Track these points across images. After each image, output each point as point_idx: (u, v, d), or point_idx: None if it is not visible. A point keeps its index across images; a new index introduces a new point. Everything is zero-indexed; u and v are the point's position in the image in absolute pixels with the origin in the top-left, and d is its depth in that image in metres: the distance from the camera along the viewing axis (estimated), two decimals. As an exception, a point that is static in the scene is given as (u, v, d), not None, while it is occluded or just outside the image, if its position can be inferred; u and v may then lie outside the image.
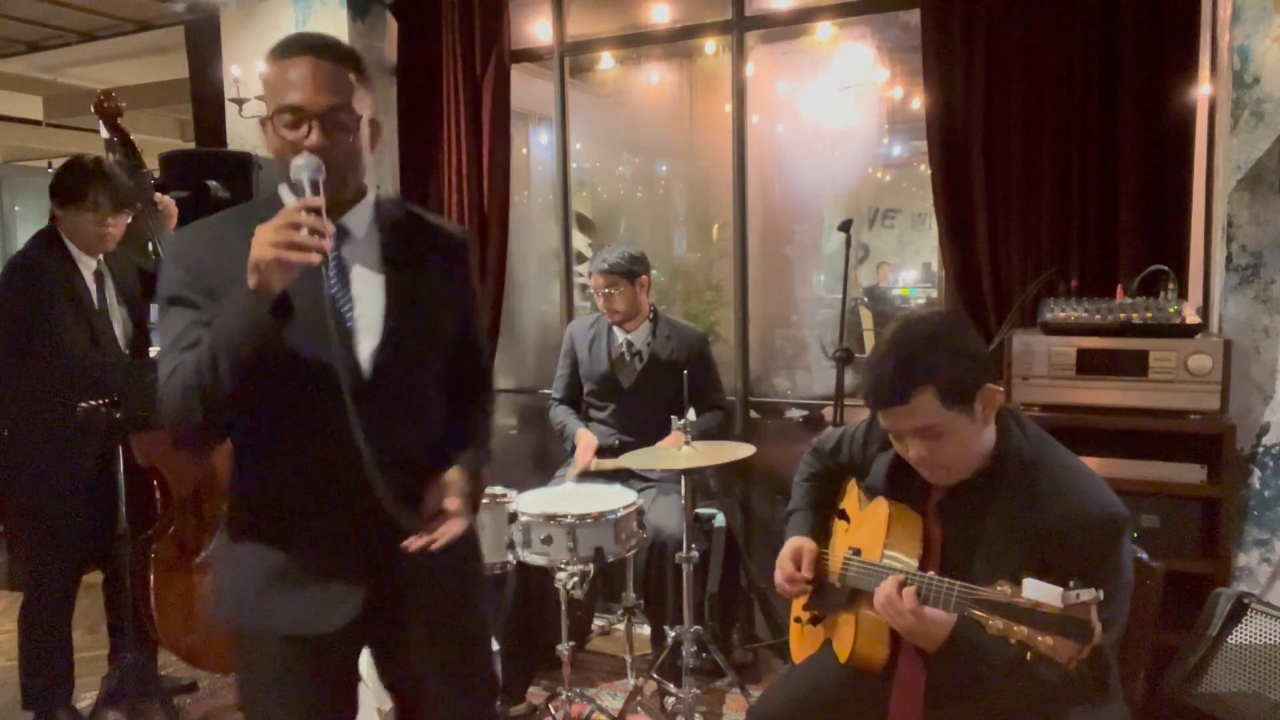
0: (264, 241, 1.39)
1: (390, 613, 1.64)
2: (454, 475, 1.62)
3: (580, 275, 4.63)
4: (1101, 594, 1.42)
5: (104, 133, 3.12)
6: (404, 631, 1.69)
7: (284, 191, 1.61)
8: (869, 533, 1.89)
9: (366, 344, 1.58)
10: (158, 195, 3.12)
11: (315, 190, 1.46)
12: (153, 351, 3.35)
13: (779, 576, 1.99)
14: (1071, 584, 1.42)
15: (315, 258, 1.39)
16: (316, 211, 1.41)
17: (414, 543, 1.54)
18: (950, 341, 1.69)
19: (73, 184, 2.88)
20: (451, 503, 1.59)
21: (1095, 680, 1.62)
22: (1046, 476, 1.71)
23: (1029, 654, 1.44)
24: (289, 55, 1.52)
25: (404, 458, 1.57)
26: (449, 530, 1.57)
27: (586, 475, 3.33)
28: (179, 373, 1.49)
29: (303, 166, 1.47)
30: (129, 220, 3.00)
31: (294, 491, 1.59)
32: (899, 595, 1.66)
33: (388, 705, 2.55)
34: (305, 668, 1.62)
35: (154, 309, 3.45)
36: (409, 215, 1.71)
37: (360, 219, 1.62)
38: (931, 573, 1.70)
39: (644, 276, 3.44)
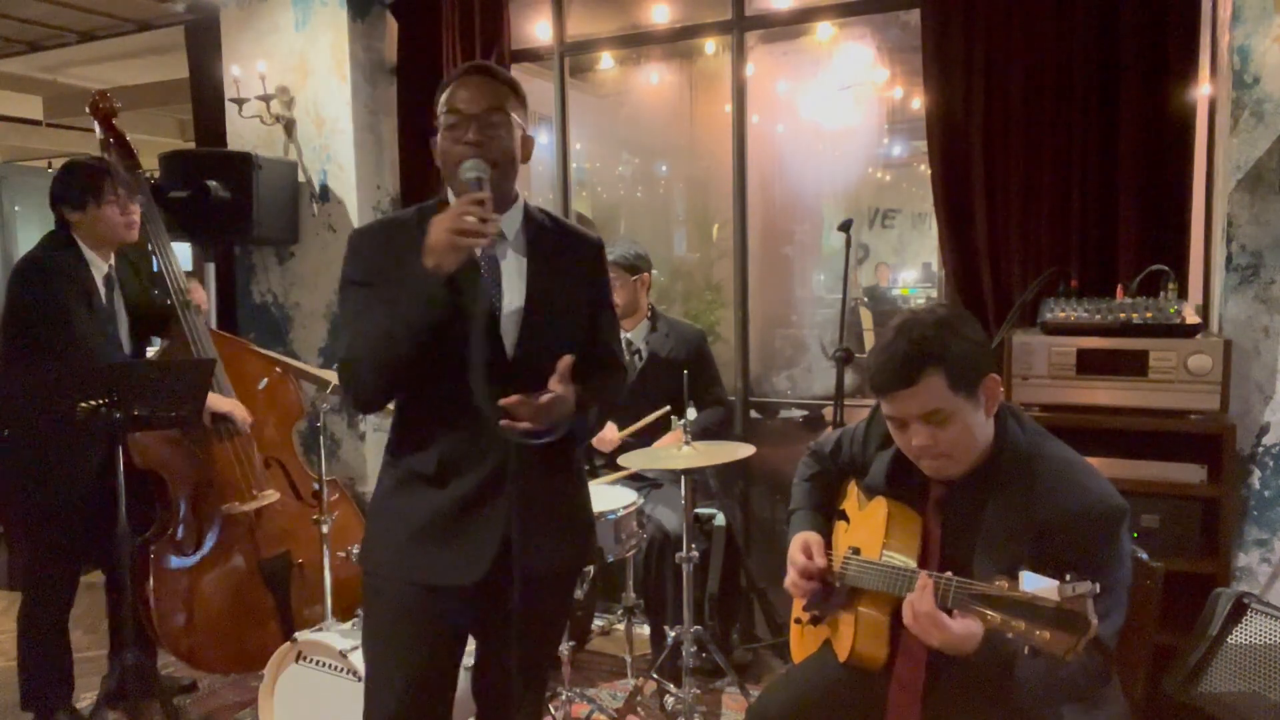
0: (440, 228, 1.64)
1: (506, 582, 1.78)
2: (560, 385, 1.73)
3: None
4: (1098, 587, 1.42)
5: (99, 133, 3.12)
6: (508, 604, 1.81)
7: (451, 196, 1.84)
8: (868, 532, 1.89)
9: (511, 330, 1.79)
10: (193, 285, 3.15)
11: (480, 187, 1.68)
12: (150, 352, 3.36)
13: (792, 574, 1.95)
14: (1068, 577, 1.43)
15: (484, 241, 1.63)
16: (482, 204, 1.64)
17: (511, 400, 1.67)
18: (957, 328, 1.71)
19: (87, 183, 2.89)
20: (555, 385, 1.71)
21: (1097, 673, 1.62)
22: (1045, 470, 1.72)
23: (1026, 648, 1.44)
24: (464, 75, 1.79)
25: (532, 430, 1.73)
26: (545, 398, 1.69)
27: (587, 475, 3.33)
28: (362, 341, 1.74)
29: (470, 167, 1.70)
30: (141, 209, 3.01)
31: (441, 455, 1.79)
32: (930, 602, 1.59)
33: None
34: (429, 616, 1.81)
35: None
36: (553, 222, 1.92)
37: (512, 221, 1.84)
38: (929, 570, 1.70)
39: (644, 274, 3.45)
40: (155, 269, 3.21)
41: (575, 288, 1.88)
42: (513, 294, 1.81)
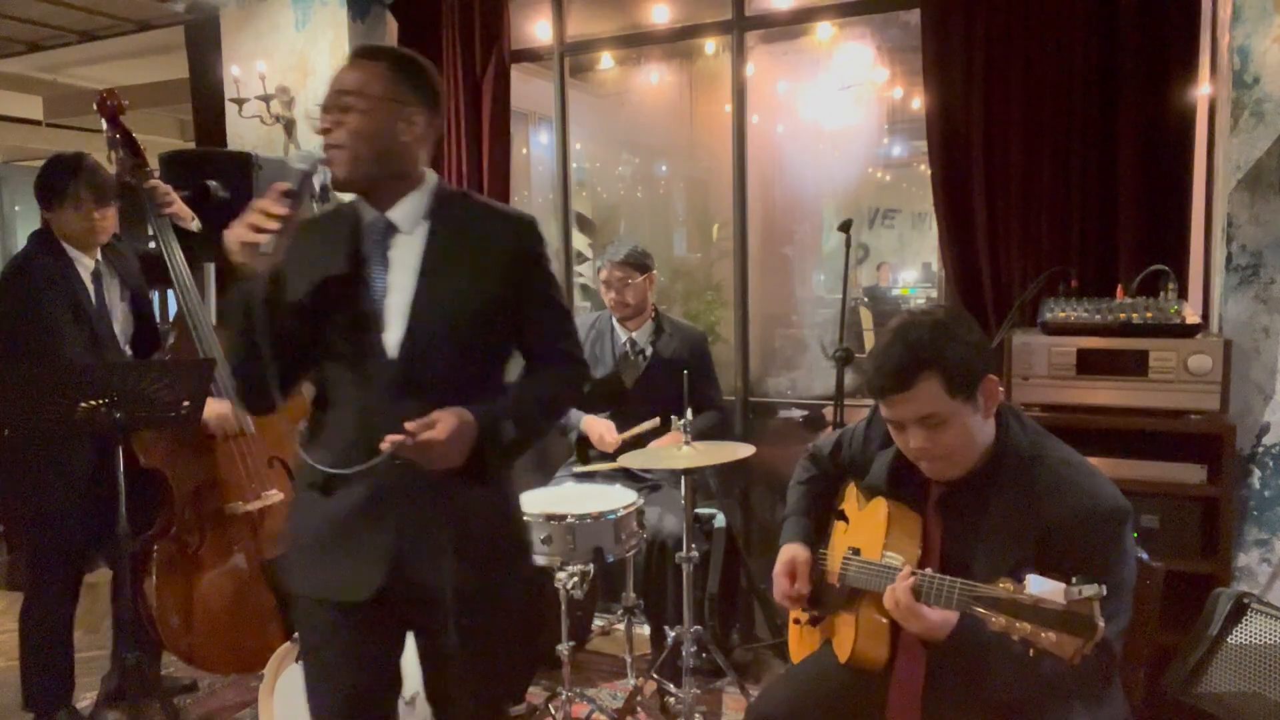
0: (233, 229, 1.57)
1: (420, 593, 1.70)
2: (452, 413, 1.61)
3: (580, 275, 4.63)
4: (1105, 589, 1.42)
5: (106, 131, 3.12)
6: (434, 616, 1.73)
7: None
8: (868, 532, 1.89)
9: (396, 328, 1.67)
10: (156, 183, 3.11)
11: (306, 180, 1.63)
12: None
13: (776, 593, 1.99)
14: (1074, 580, 1.43)
15: (263, 238, 1.54)
16: (287, 194, 1.57)
17: (390, 439, 1.58)
18: (955, 331, 1.70)
19: (54, 182, 2.87)
20: (431, 423, 1.58)
21: (1102, 673, 1.62)
22: (1046, 471, 1.71)
23: (1031, 650, 1.44)
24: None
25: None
26: (401, 441, 1.57)
27: (587, 474, 3.34)
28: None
29: (297, 157, 1.65)
30: (115, 212, 2.99)
31: (333, 461, 1.68)
32: (908, 594, 1.65)
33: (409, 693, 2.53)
34: (340, 632, 1.72)
35: (155, 310, 3.46)
36: (472, 205, 1.80)
37: (409, 211, 1.72)
38: (929, 569, 1.70)
39: (652, 273, 3.46)
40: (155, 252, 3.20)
41: (485, 274, 1.71)
42: (400, 293, 1.68)
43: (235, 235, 1.56)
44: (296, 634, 2.65)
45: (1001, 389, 1.77)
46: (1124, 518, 1.66)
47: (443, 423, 1.59)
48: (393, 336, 1.67)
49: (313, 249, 1.70)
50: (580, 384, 1.88)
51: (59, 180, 2.87)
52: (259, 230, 1.55)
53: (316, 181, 1.68)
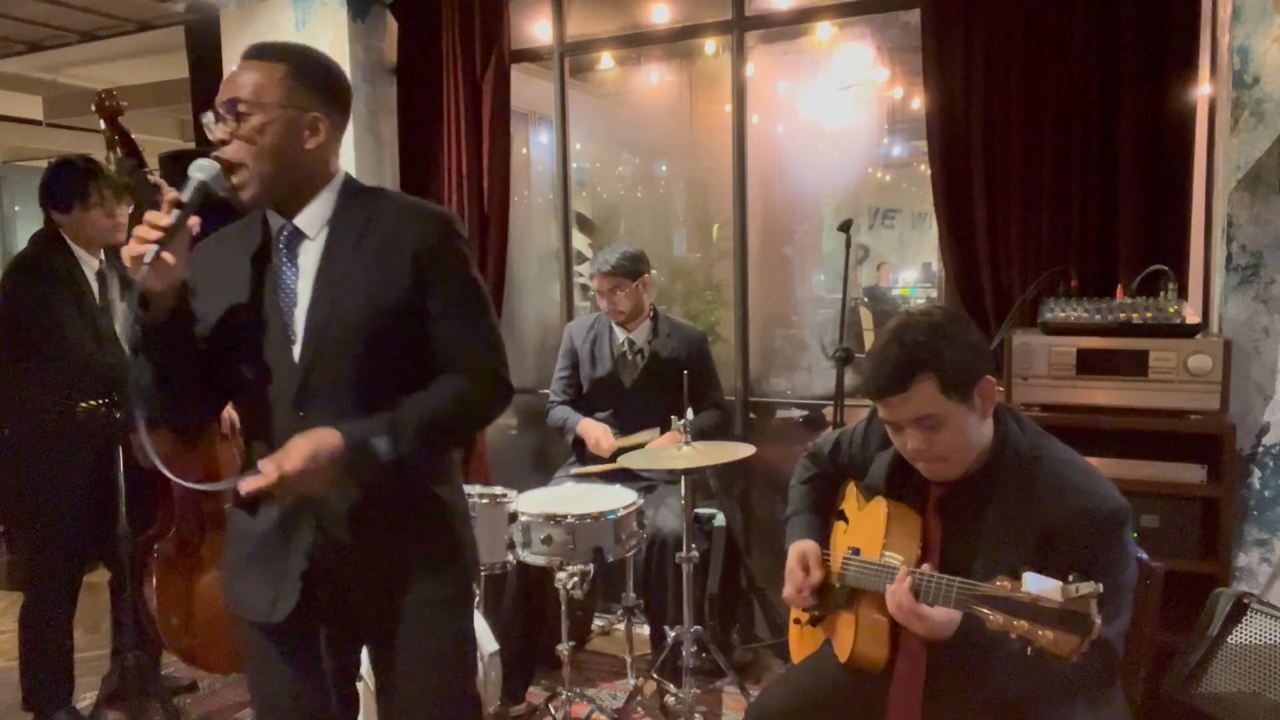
0: (128, 245, 1.51)
1: (336, 614, 1.68)
2: (307, 436, 1.51)
3: (580, 275, 4.63)
4: (1101, 587, 1.42)
5: (105, 131, 3.12)
6: (354, 636, 1.73)
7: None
8: (868, 532, 1.89)
9: (299, 335, 1.61)
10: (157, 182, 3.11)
11: (201, 192, 1.57)
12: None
13: (790, 589, 1.97)
14: (1071, 578, 1.43)
15: (147, 249, 1.47)
16: (176, 205, 1.52)
17: (244, 485, 1.51)
18: (951, 332, 1.70)
19: (73, 185, 2.88)
20: (280, 460, 1.50)
21: (1103, 672, 1.62)
22: (1046, 472, 1.71)
23: (1029, 648, 1.44)
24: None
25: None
26: (254, 483, 1.49)
27: (585, 475, 3.34)
28: None
29: (195, 167, 1.58)
30: (130, 211, 3.01)
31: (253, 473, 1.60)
32: (909, 595, 1.66)
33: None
34: (268, 653, 1.70)
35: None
36: (382, 201, 1.68)
37: (313, 218, 1.65)
38: (927, 567, 1.70)
39: (645, 275, 3.45)
40: None
41: (390, 279, 1.59)
42: (305, 294, 1.62)
43: (124, 250, 1.51)
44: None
45: (1000, 389, 1.77)
46: (1123, 518, 1.66)
47: (292, 452, 1.49)
48: (296, 344, 1.61)
49: (223, 264, 1.65)
50: (490, 401, 1.69)
51: (78, 183, 2.88)
52: (142, 241, 1.48)
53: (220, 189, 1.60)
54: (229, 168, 1.57)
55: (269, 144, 1.57)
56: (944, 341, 1.68)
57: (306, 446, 1.49)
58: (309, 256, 1.63)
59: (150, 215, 1.50)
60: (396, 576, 1.67)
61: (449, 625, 1.73)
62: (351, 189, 1.68)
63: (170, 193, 1.54)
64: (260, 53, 1.62)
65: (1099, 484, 1.70)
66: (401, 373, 1.62)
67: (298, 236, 1.64)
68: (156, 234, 1.48)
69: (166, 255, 1.48)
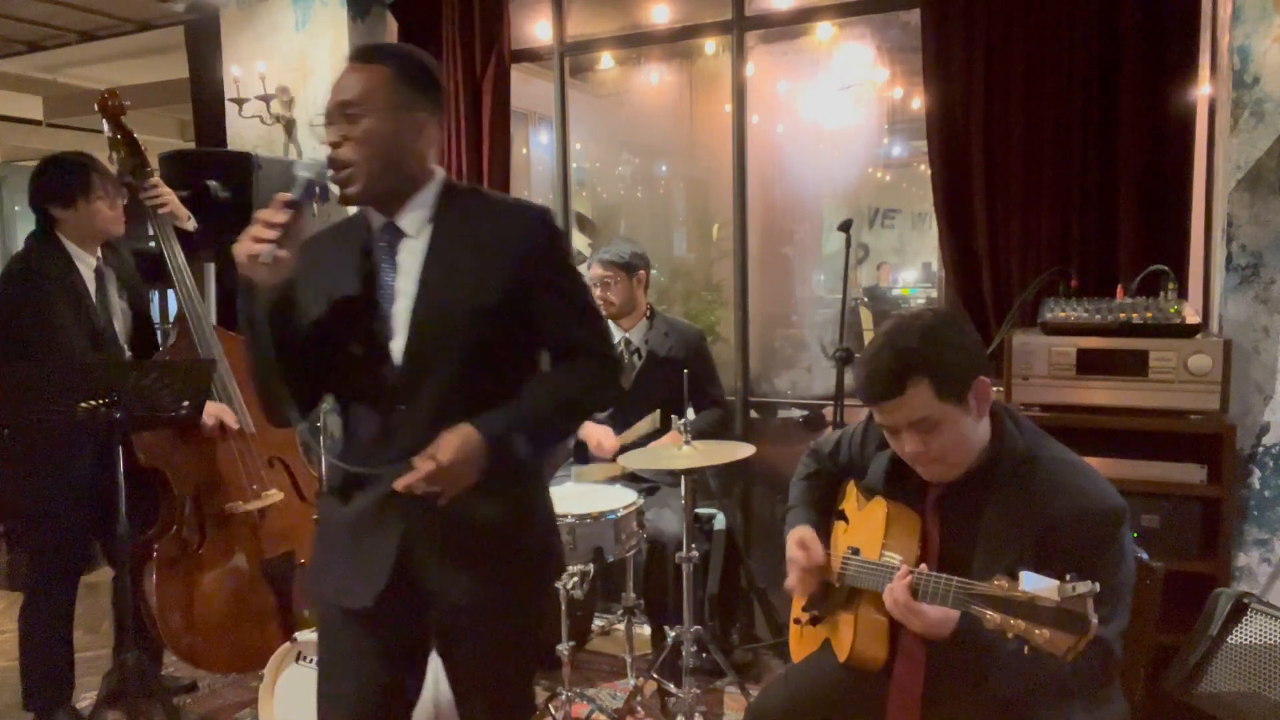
0: (238, 243, 1.55)
1: (423, 603, 1.70)
2: (455, 434, 1.56)
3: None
4: (1098, 586, 1.42)
5: (107, 131, 3.12)
6: (440, 627, 1.74)
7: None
8: (867, 532, 1.89)
9: (400, 339, 1.64)
10: (159, 191, 3.12)
11: (311, 191, 1.59)
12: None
13: (793, 574, 1.96)
14: (1068, 577, 1.43)
15: (263, 248, 1.52)
16: (289, 205, 1.55)
17: (401, 481, 1.56)
18: (944, 334, 1.70)
19: (73, 180, 2.88)
20: (433, 453, 1.55)
21: (1100, 673, 1.62)
22: (1044, 472, 1.72)
23: (1026, 647, 1.44)
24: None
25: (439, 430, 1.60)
26: (411, 477, 1.55)
27: (586, 476, 3.34)
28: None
29: (301, 165, 1.61)
30: (124, 202, 3.01)
31: (346, 468, 1.69)
32: (905, 592, 1.66)
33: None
34: (344, 639, 1.72)
35: (155, 313, 3.46)
36: (480, 200, 1.74)
37: (414, 216, 1.68)
38: (923, 566, 1.71)
39: (642, 273, 3.45)
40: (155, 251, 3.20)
41: (490, 271, 1.63)
42: (407, 294, 1.64)
43: (238, 248, 1.54)
44: (296, 634, 2.65)
45: (1000, 389, 1.77)
46: (1120, 518, 1.66)
47: (444, 448, 1.54)
48: (398, 343, 1.64)
49: (324, 261, 1.69)
50: (608, 381, 1.76)
51: (78, 177, 2.88)
52: (259, 240, 1.53)
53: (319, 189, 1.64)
54: (337, 167, 1.61)
55: (378, 145, 1.60)
56: (936, 344, 1.68)
57: (455, 441, 1.55)
58: (410, 255, 1.67)
59: (264, 214, 1.54)
60: (483, 568, 1.68)
61: (521, 615, 1.77)
62: (450, 188, 1.72)
63: (281, 195, 1.57)
64: (365, 55, 1.65)
65: (1097, 484, 1.70)
66: (500, 369, 1.67)
67: (398, 235, 1.67)
68: (273, 233, 1.53)
69: (281, 252, 1.53)
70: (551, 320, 1.69)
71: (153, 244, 3.16)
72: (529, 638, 1.81)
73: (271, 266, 1.53)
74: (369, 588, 1.65)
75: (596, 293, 3.42)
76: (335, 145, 1.60)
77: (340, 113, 1.60)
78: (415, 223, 1.68)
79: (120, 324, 3.02)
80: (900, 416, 1.71)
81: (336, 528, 1.73)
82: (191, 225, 3.20)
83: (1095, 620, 1.40)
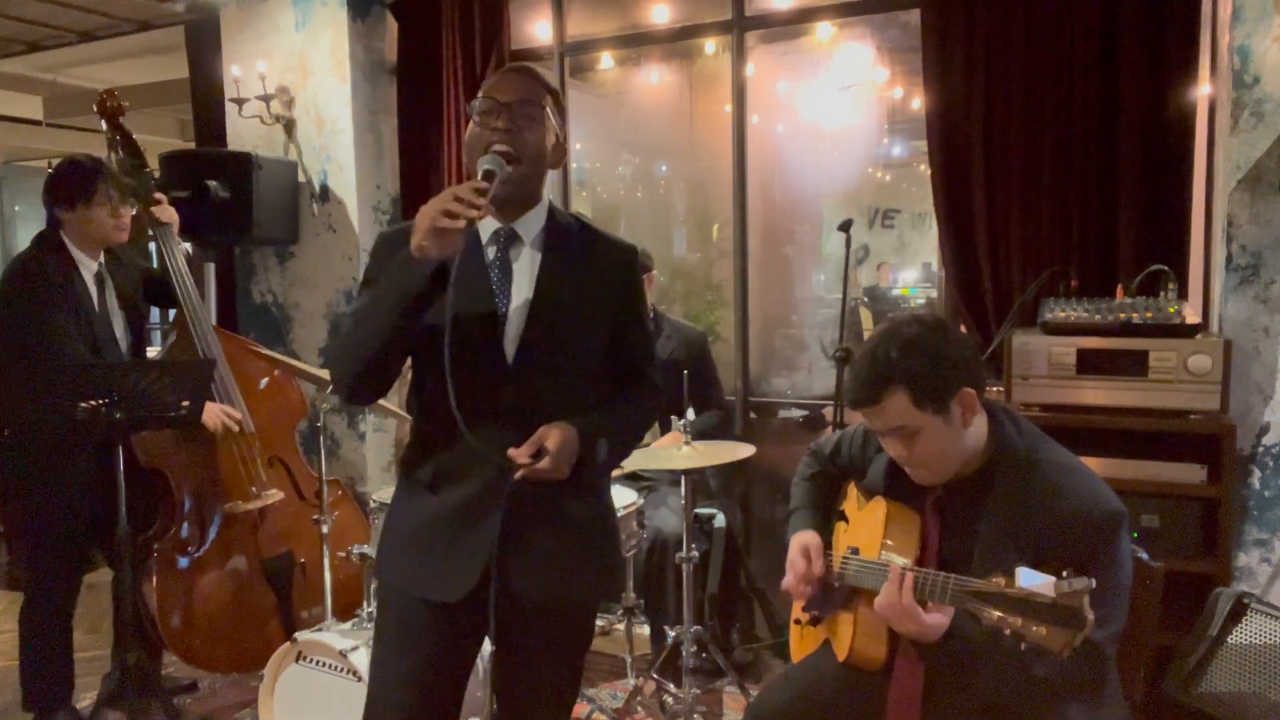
0: (425, 211, 1.55)
1: (508, 593, 1.71)
2: (559, 424, 1.66)
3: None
4: (1094, 582, 1.43)
5: (106, 132, 3.12)
6: (517, 623, 1.75)
7: None
8: (867, 532, 1.89)
9: (513, 333, 1.71)
10: (159, 196, 3.13)
11: (486, 178, 1.60)
12: (151, 352, 3.36)
13: (791, 578, 1.97)
14: (1065, 573, 1.44)
15: (461, 223, 1.53)
16: (479, 191, 1.56)
17: (518, 456, 1.62)
18: (926, 345, 1.71)
19: (81, 182, 2.88)
20: (548, 442, 1.63)
21: (1091, 676, 1.62)
22: (1042, 474, 1.72)
23: (1022, 644, 1.45)
24: (503, 73, 1.76)
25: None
26: (538, 467, 1.62)
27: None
28: (341, 327, 1.64)
29: (486, 160, 1.63)
30: (133, 213, 3.01)
31: (438, 462, 1.73)
32: (899, 593, 1.67)
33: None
34: (424, 627, 1.74)
35: (154, 312, 3.47)
36: (582, 227, 1.83)
37: (531, 225, 1.76)
38: (922, 567, 1.71)
39: (651, 273, 3.46)
40: (158, 272, 3.22)
41: (595, 294, 1.77)
42: (520, 295, 1.72)
43: (432, 209, 1.54)
44: (296, 634, 2.66)
45: (1000, 389, 1.78)
46: (1119, 521, 1.66)
47: (553, 436, 1.63)
48: (511, 342, 1.70)
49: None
50: (657, 411, 1.93)
51: (85, 180, 2.88)
52: (455, 215, 1.53)
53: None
54: (512, 161, 1.65)
55: (540, 143, 1.71)
56: (917, 356, 1.70)
57: (559, 434, 1.63)
58: (524, 261, 1.74)
59: (474, 185, 1.56)
60: (569, 568, 1.76)
61: (584, 627, 1.88)
62: (554, 211, 1.81)
63: (475, 183, 1.59)
64: (527, 71, 1.77)
65: (1095, 488, 1.71)
66: (587, 379, 1.78)
67: (515, 240, 1.75)
68: (476, 209, 1.54)
69: (463, 224, 1.55)
70: (630, 350, 1.83)
71: (152, 244, 3.16)
72: (589, 637, 1.90)
73: (448, 239, 1.54)
74: (461, 583, 1.69)
75: None
76: (508, 134, 1.65)
77: (520, 110, 1.68)
78: (531, 232, 1.76)
79: (120, 329, 3.02)
80: (879, 423, 1.76)
81: (423, 520, 1.74)
82: (174, 225, 3.20)
83: (1091, 616, 1.41)
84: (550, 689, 1.84)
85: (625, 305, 1.81)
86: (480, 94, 1.72)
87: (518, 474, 1.63)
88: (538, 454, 1.63)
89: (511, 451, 1.62)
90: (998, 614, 1.48)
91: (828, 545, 2.02)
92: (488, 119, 1.68)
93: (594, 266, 1.78)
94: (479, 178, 1.61)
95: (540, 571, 1.72)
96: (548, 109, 1.72)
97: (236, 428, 3.03)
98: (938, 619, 1.66)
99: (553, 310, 1.72)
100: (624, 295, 1.81)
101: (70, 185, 2.89)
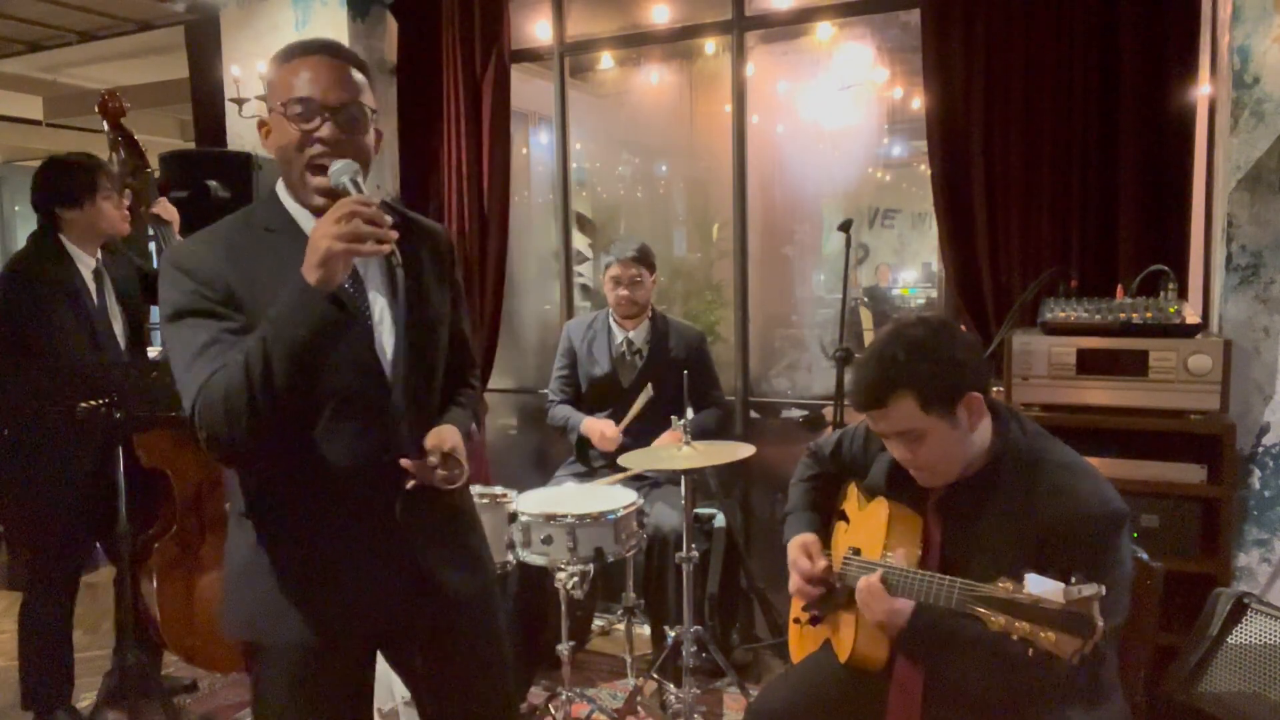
0: (329, 235, 1.38)
1: (407, 618, 1.66)
2: (445, 426, 1.65)
3: (580, 275, 4.63)
4: (1104, 589, 1.42)
5: (108, 132, 3.12)
6: (418, 635, 1.71)
7: (281, 191, 1.62)
8: (869, 533, 1.89)
9: (388, 343, 1.61)
10: (160, 199, 3.13)
11: (360, 189, 1.47)
12: (152, 352, 3.35)
13: (795, 579, 1.97)
14: (1073, 579, 1.43)
15: (387, 248, 1.41)
16: (369, 207, 1.41)
17: (418, 471, 1.56)
18: (933, 348, 1.71)
19: (81, 179, 2.89)
20: (449, 445, 1.60)
21: (1086, 669, 1.62)
22: (1046, 474, 1.72)
23: (1030, 650, 1.44)
24: (301, 55, 1.54)
25: (417, 443, 1.62)
26: (453, 474, 1.60)
27: (588, 475, 3.34)
28: (221, 377, 1.43)
29: (341, 170, 1.48)
30: (128, 203, 3.02)
31: (322, 493, 1.58)
32: (877, 583, 1.72)
33: (388, 706, 2.56)
34: (326, 676, 1.62)
35: (155, 310, 3.47)
36: (401, 217, 1.69)
37: None
38: (925, 569, 1.71)
39: (656, 271, 3.48)
40: (154, 271, 3.22)
41: (439, 287, 1.71)
42: (380, 304, 1.60)
43: (345, 235, 1.37)
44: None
45: (1001, 389, 1.78)
46: (1121, 521, 1.66)
47: (448, 437, 1.60)
48: (388, 352, 1.60)
49: (265, 260, 1.53)
50: (478, 385, 1.92)
51: (86, 177, 2.89)
52: (364, 238, 1.38)
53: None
54: (348, 166, 1.51)
55: (368, 140, 1.58)
56: (924, 359, 1.69)
57: (452, 433, 1.62)
58: (366, 266, 1.61)
59: (361, 203, 1.40)
60: (468, 560, 1.74)
61: (494, 619, 1.81)
62: (384, 201, 1.66)
63: (360, 197, 1.45)
64: (344, 54, 1.58)
65: (1098, 486, 1.71)
66: (441, 379, 1.74)
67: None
68: (389, 221, 1.42)
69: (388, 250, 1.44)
70: (461, 337, 1.81)
71: (153, 243, 3.16)
72: (505, 628, 1.85)
73: (348, 263, 1.42)
74: (381, 606, 1.61)
75: (622, 292, 3.41)
76: (338, 143, 1.52)
77: (351, 113, 1.54)
78: None
79: (119, 326, 3.02)
80: (885, 426, 1.74)
81: (317, 561, 1.59)
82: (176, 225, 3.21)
83: (1101, 624, 1.40)
84: (479, 682, 1.77)
85: (456, 291, 1.78)
86: (286, 88, 1.52)
87: (411, 484, 1.56)
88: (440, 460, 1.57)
89: (407, 463, 1.55)
90: (1005, 619, 1.48)
91: (826, 546, 2.02)
92: (308, 125, 1.51)
93: (432, 258, 1.70)
94: (351, 191, 1.46)
95: (455, 564, 1.69)
96: (366, 101, 1.56)
97: None
98: (902, 603, 1.71)
99: (418, 317, 1.63)
100: (454, 280, 1.78)
101: (73, 183, 2.89)
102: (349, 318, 1.45)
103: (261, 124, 1.59)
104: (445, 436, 1.61)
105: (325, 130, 1.51)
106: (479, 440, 1.72)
